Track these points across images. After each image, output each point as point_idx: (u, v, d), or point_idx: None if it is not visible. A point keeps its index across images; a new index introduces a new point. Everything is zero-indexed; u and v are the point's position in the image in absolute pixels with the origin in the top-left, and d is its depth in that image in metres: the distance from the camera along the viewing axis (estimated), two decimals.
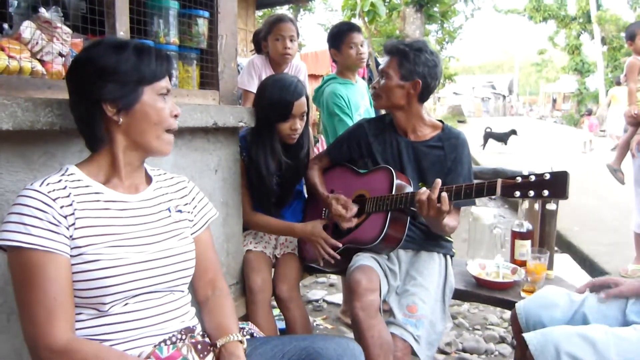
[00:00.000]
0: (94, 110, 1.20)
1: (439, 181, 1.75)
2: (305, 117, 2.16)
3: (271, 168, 2.12)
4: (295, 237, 2.23)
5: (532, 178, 1.58)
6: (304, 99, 2.11)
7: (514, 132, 13.47)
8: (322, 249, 2.06)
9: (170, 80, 1.31)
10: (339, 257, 2.05)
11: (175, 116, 1.28)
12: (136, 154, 1.26)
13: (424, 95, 2.03)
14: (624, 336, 1.40)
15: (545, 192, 1.54)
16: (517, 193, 1.60)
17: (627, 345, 1.37)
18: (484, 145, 13.32)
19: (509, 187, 1.62)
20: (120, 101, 1.19)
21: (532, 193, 1.57)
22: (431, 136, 2.08)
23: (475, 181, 1.81)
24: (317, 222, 2.12)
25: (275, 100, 2.07)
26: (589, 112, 16.09)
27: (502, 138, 13.40)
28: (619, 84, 13.11)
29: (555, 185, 1.53)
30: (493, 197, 1.70)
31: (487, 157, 10.23)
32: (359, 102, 2.93)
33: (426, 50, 1.99)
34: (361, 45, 2.86)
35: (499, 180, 1.65)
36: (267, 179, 2.12)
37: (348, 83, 2.95)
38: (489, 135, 13.33)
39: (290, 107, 2.07)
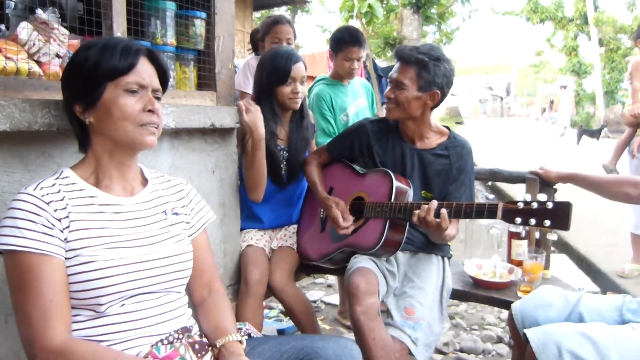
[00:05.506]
0: (71, 111, 1.22)
1: (434, 203, 1.72)
2: (304, 83, 2.24)
3: (275, 130, 2.20)
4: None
5: (535, 205, 1.52)
6: (301, 64, 2.21)
7: (604, 126, 14.98)
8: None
9: (163, 77, 1.28)
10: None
11: (150, 111, 1.21)
12: (122, 153, 1.24)
13: (437, 104, 1.99)
14: (624, 336, 1.40)
15: (547, 222, 1.49)
16: (518, 220, 1.55)
17: (628, 346, 1.37)
18: (579, 140, 14.04)
19: (510, 212, 1.58)
20: (83, 100, 1.19)
21: (533, 221, 1.52)
22: (437, 144, 2.04)
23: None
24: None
25: (274, 65, 2.18)
26: (544, 110, 21.32)
27: (594, 134, 14.31)
28: (563, 87, 17.70)
29: (558, 215, 1.48)
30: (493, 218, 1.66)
31: (483, 158, 10.25)
32: (346, 103, 2.93)
33: (444, 59, 1.92)
34: (357, 60, 2.83)
35: (500, 204, 1.61)
36: (272, 143, 2.17)
37: (337, 84, 2.95)
38: (583, 132, 14.15)
39: (289, 69, 2.15)
